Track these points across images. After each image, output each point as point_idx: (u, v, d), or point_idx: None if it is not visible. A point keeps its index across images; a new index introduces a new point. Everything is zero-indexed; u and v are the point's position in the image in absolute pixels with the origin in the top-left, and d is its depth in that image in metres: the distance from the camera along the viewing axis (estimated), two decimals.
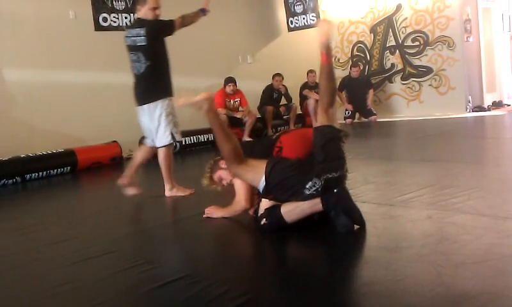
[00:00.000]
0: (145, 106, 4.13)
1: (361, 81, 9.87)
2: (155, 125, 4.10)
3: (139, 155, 4.36)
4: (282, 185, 2.62)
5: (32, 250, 3.01)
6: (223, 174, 3.12)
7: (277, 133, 3.14)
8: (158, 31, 4.10)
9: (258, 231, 2.76)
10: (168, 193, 4.16)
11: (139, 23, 4.10)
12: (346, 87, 9.87)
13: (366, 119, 9.71)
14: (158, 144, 4.14)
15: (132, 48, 4.07)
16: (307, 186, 2.55)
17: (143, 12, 4.10)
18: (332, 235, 2.77)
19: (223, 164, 3.11)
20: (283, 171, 2.62)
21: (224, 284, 2.10)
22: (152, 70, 4.03)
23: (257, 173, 2.67)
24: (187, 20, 4.28)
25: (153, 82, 4.06)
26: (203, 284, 2.12)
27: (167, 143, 4.10)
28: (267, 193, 2.71)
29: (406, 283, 2.05)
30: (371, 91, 9.81)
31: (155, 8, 4.12)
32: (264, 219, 2.69)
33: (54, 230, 3.35)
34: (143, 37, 4.01)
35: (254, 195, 3.00)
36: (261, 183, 2.67)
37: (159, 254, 2.66)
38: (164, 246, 2.84)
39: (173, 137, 4.11)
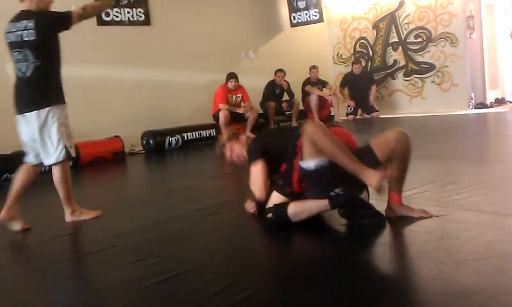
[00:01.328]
0: (32, 114, 3.34)
1: (364, 77, 9.86)
2: (44, 138, 3.31)
3: (20, 179, 3.42)
4: (318, 180, 2.62)
5: (34, 244, 3.03)
6: (237, 149, 3.12)
7: (300, 127, 2.97)
8: (51, 23, 3.43)
9: (263, 221, 2.77)
10: (68, 218, 3.40)
11: (26, 15, 3.33)
12: (348, 83, 9.86)
13: (368, 116, 9.71)
14: (48, 162, 3.34)
15: (17, 45, 3.33)
16: (336, 190, 2.59)
17: (29, 2, 3.35)
18: (334, 232, 2.78)
19: (243, 139, 3.11)
20: (330, 167, 2.59)
21: (227, 279, 2.10)
22: (42, 70, 3.40)
23: (318, 152, 2.58)
24: (88, 12, 3.55)
25: (43, 86, 3.40)
26: (206, 279, 2.13)
27: (60, 160, 3.31)
28: (302, 179, 2.69)
29: (408, 279, 2.06)
30: (374, 87, 9.79)
31: None
32: (271, 214, 2.70)
33: (56, 224, 3.36)
34: (31, 31, 3.29)
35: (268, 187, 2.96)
36: (312, 163, 2.60)
37: (162, 249, 2.67)
38: (167, 241, 2.84)
39: (67, 153, 3.35)
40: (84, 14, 3.49)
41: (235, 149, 3.15)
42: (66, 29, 3.49)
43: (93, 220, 3.43)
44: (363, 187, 2.69)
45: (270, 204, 2.77)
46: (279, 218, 2.67)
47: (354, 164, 2.51)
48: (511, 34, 8.68)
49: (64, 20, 3.44)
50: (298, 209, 2.65)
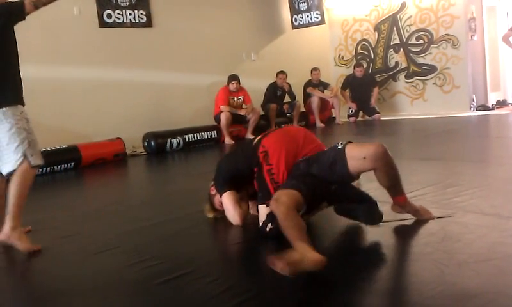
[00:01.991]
0: None
1: (365, 80, 9.86)
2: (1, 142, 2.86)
3: None
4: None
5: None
6: (218, 198, 3.01)
7: (256, 138, 2.94)
8: (6, 15, 3.04)
9: (263, 238, 2.65)
10: (3, 235, 2.79)
11: None
12: (350, 85, 9.86)
13: (370, 118, 9.71)
14: (5, 170, 2.87)
15: None
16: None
17: None
18: (334, 234, 2.78)
19: (212, 190, 3.07)
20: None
21: (228, 281, 2.11)
22: None
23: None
24: (41, 1, 3.07)
25: None
26: (206, 281, 2.13)
27: (15, 168, 2.82)
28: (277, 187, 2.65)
29: (409, 281, 2.06)
30: (376, 90, 9.80)
31: None
32: (270, 225, 2.57)
33: (57, 226, 3.36)
34: None
35: (243, 205, 2.93)
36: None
37: (163, 250, 2.67)
38: (168, 242, 2.84)
39: (26, 161, 2.84)
40: (36, 3, 3.04)
41: (216, 201, 3.05)
42: (21, 19, 3.05)
43: (93, 221, 3.43)
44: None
45: (262, 216, 2.65)
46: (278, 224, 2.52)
47: (300, 242, 2.18)
48: (503, 37, 8.66)
49: (19, 11, 3.01)
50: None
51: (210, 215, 3.12)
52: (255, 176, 2.79)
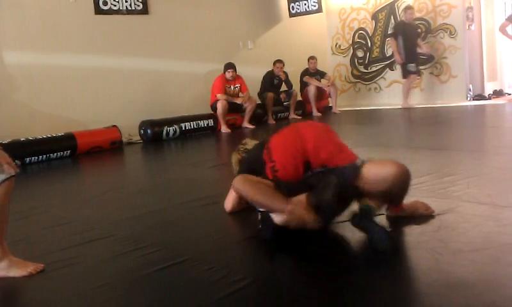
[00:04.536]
0: None
1: (414, 26, 9.21)
2: None
3: None
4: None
5: (32, 233, 3.03)
6: None
7: (267, 138, 2.86)
8: None
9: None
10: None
11: None
12: (402, 33, 9.05)
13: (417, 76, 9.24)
14: None
15: None
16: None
17: None
18: (331, 223, 2.78)
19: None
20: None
21: (224, 269, 2.11)
22: None
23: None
24: None
25: None
26: (203, 268, 2.13)
27: None
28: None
29: (404, 269, 2.07)
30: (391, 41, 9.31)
31: None
32: (260, 226, 2.51)
33: (54, 213, 3.36)
34: None
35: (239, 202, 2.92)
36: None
37: (160, 238, 2.67)
38: (164, 230, 2.85)
39: None
40: None
41: None
42: None
43: (90, 209, 3.43)
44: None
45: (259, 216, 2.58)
46: (266, 227, 2.45)
47: (277, 203, 2.31)
48: (500, 27, 8.65)
49: None
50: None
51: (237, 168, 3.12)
52: (259, 173, 2.67)
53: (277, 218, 2.37)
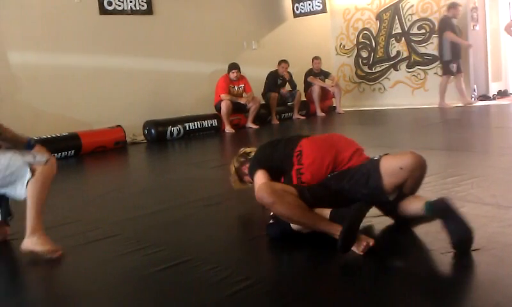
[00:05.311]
0: None
1: (439, 26, 8.92)
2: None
3: None
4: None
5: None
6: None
7: (298, 135, 2.86)
8: None
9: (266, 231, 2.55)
10: (27, 244, 2.51)
11: None
12: (449, 28, 8.70)
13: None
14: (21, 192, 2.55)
15: None
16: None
17: None
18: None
19: (245, 169, 3.01)
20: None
21: (227, 269, 2.11)
22: None
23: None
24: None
25: None
26: (206, 268, 2.13)
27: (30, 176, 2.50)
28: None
29: (407, 269, 2.06)
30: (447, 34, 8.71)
31: None
32: (271, 220, 2.49)
33: (57, 213, 3.36)
34: None
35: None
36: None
37: (163, 238, 2.67)
38: (168, 230, 2.85)
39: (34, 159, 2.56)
40: None
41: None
42: None
43: (94, 209, 3.43)
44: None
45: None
46: (280, 227, 2.44)
47: (322, 224, 2.31)
48: (506, 27, 8.60)
49: None
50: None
51: (237, 186, 3.07)
52: (284, 172, 2.68)
53: (294, 226, 2.38)
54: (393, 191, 2.41)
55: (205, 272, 2.11)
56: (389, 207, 2.51)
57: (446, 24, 8.69)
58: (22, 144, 2.70)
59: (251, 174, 2.79)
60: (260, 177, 2.66)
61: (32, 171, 2.51)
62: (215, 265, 2.16)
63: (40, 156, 2.59)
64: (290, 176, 2.61)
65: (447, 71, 8.76)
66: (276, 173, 2.71)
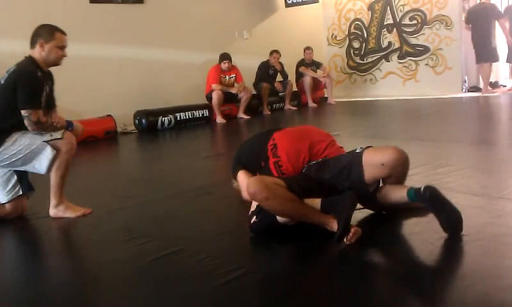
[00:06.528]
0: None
1: (488, 12, 8.51)
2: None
3: None
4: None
5: (25, 222, 3.02)
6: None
7: (269, 129, 2.88)
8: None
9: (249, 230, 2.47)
10: (56, 212, 2.99)
11: None
12: (471, 20, 8.65)
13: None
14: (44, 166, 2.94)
15: None
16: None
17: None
18: None
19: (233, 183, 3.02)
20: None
21: (218, 258, 2.11)
22: None
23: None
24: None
25: None
26: (197, 258, 2.13)
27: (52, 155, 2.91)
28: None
29: (397, 259, 2.07)
30: (504, 22, 8.48)
31: None
32: (254, 217, 2.42)
33: (47, 203, 3.34)
34: None
35: None
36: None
37: (154, 228, 2.67)
38: (158, 220, 2.85)
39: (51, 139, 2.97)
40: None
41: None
42: None
43: (84, 199, 3.41)
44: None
45: (253, 207, 2.48)
46: (265, 220, 2.39)
47: (315, 216, 2.31)
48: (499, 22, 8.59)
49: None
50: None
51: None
52: (259, 167, 2.69)
53: (281, 219, 2.37)
54: (373, 183, 2.44)
55: (197, 261, 2.11)
56: (368, 199, 2.51)
57: (498, 12, 8.55)
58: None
59: (234, 173, 2.83)
60: (244, 175, 2.72)
61: (57, 149, 2.89)
62: (206, 255, 2.16)
63: (56, 134, 2.96)
64: (269, 169, 2.62)
65: (491, 58, 8.62)
66: (252, 169, 2.74)
